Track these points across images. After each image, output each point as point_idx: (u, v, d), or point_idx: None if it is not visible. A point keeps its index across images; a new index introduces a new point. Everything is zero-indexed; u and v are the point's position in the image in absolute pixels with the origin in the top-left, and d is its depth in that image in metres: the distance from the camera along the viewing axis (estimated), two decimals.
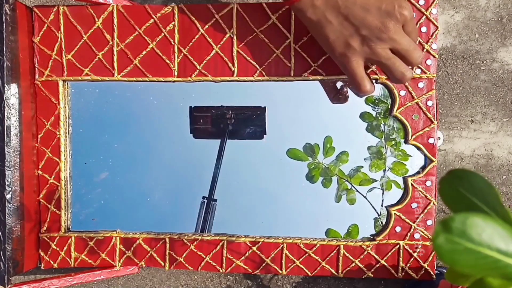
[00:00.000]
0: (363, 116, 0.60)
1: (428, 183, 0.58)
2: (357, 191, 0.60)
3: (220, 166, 0.62)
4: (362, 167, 0.60)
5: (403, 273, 0.59)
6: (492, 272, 0.23)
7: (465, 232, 0.22)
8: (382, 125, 0.59)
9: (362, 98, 0.59)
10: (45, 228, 0.62)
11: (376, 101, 0.59)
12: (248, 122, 0.61)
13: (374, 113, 0.59)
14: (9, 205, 0.57)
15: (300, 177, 0.61)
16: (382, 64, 0.48)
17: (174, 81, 0.60)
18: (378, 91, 0.59)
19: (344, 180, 0.60)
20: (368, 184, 0.60)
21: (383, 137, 0.59)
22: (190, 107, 0.62)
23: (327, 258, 0.59)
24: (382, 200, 0.60)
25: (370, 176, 0.60)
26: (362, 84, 0.50)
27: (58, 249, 0.62)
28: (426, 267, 0.58)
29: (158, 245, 0.61)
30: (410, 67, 0.49)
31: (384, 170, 0.60)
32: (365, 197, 0.60)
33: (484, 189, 0.27)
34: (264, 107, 0.61)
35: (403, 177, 0.59)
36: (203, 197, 0.62)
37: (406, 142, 0.59)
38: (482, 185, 0.27)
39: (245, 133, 0.62)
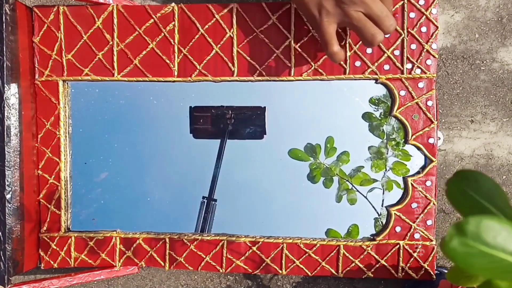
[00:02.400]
0: (365, 116, 0.60)
1: (428, 183, 0.58)
2: (357, 191, 0.60)
3: (220, 166, 0.61)
4: (363, 167, 0.60)
5: (403, 273, 0.59)
6: (506, 275, 0.23)
7: (479, 235, 0.22)
8: (383, 125, 0.59)
9: (364, 99, 0.59)
10: (45, 228, 0.62)
11: (377, 101, 0.59)
12: (248, 122, 0.61)
13: (376, 114, 0.59)
14: (9, 205, 0.57)
15: (300, 177, 0.61)
16: (354, 26, 0.49)
17: (174, 81, 0.60)
18: (378, 91, 0.59)
19: (345, 180, 0.60)
20: (369, 184, 0.60)
21: (384, 137, 0.59)
22: (190, 107, 0.62)
23: (327, 258, 0.59)
24: (383, 200, 0.60)
25: (370, 176, 0.60)
26: (329, 44, 0.51)
27: (58, 249, 0.62)
28: (426, 267, 0.58)
29: (158, 245, 0.61)
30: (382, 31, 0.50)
31: (385, 170, 0.60)
32: (365, 197, 0.60)
33: (492, 190, 0.26)
34: (264, 107, 0.61)
35: (403, 177, 0.59)
36: (203, 197, 0.62)
37: (406, 142, 0.59)
38: (489, 186, 0.27)
39: (245, 133, 0.62)
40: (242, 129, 0.61)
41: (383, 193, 0.60)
